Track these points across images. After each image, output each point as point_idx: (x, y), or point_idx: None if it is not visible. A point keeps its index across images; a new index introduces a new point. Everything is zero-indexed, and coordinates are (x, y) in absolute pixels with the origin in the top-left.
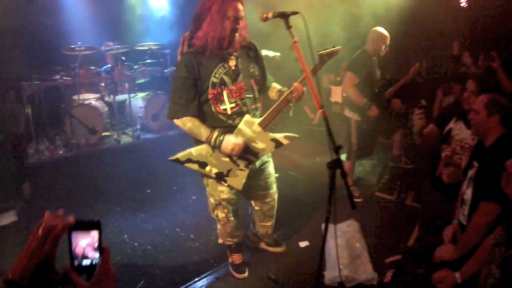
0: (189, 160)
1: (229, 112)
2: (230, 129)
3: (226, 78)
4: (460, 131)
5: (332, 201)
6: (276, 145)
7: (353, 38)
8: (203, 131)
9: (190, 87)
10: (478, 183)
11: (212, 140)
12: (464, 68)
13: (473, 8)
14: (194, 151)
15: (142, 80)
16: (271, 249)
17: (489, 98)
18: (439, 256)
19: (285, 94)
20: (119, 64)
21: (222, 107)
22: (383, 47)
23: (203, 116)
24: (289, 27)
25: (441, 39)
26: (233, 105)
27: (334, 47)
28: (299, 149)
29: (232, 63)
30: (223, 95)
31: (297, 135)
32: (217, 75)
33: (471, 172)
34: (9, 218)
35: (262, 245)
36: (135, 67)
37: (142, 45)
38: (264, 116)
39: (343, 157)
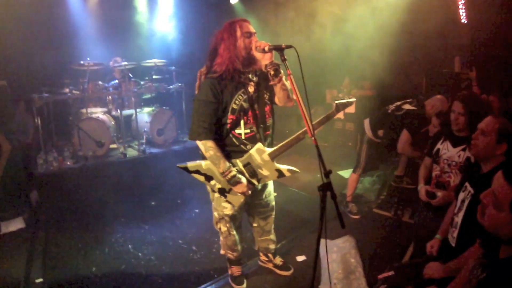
0: (198, 172)
1: (243, 137)
2: (241, 153)
3: (245, 105)
4: (446, 150)
5: (324, 220)
6: (279, 175)
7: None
8: (221, 164)
9: (214, 111)
10: (471, 212)
11: (228, 177)
12: (465, 84)
13: (474, 24)
14: (204, 164)
15: (148, 96)
16: (278, 271)
17: (501, 124)
18: (427, 273)
19: (298, 133)
20: (126, 79)
21: (237, 131)
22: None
23: (218, 135)
24: (284, 60)
25: (442, 55)
26: (248, 131)
27: (350, 98)
28: (299, 165)
29: (251, 89)
30: (240, 121)
31: (298, 170)
32: (237, 102)
33: (463, 195)
34: (17, 224)
35: (270, 266)
36: (142, 82)
37: (149, 62)
38: (275, 148)
39: (346, 173)
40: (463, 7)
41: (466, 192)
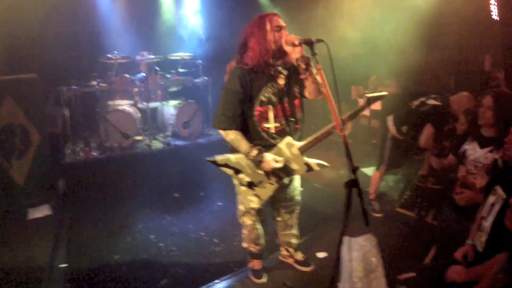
0: (226, 165)
1: (272, 130)
2: (270, 147)
3: (274, 98)
4: (473, 150)
5: (348, 217)
6: (308, 169)
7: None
8: (243, 146)
9: (240, 101)
10: (503, 217)
11: (251, 156)
12: (494, 83)
13: (506, 21)
14: (233, 158)
15: (175, 89)
16: (299, 267)
17: None
18: (450, 276)
19: (328, 127)
20: (152, 72)
21: (266, 125)
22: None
23: (246, 129)
24: (314, 54)
25: (472, 53)
26: (277, 124)
27: (381, 91)
28: (324, 161)
29: (281, 82)
30: (269, 114)
31: (328, 164)
32: (266, 94)
33: (493, 199)
34: (43, 211)
35: (291, 261)
36: (168, 76)
37: (175, 55)
38: (304, 142)
39: (370, 170)
40: (495, 4)
41: (496, 196)
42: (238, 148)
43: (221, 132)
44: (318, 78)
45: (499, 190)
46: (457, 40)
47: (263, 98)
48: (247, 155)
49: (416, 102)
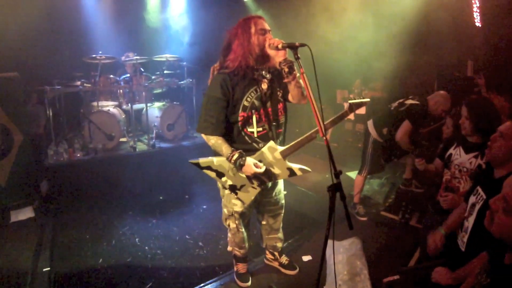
0: (209, 168)
1: (255, 135)
2: (253, 151)
3: (257, 103)
4: (458, 155)
5: (332, 221)
6: (290, 174)
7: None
8: (224, 150)
9: (222, 108)
10: (483, 217)
11: (232, 160)
12: (476, 89)
13: (488, 28)
14: (216, 161)
15: (159, 90)
16: (284, 270)
17: None
18: (435, 278)
19: (310, 132)
20: (137, 74)
21: (249, 130)
22: (440, 110)
23: (229, 133)
24: (297, 58)
25: (455, 58)
26: (260, 129)
27: (363, 98)
28: (309, 165)
29: (264, 86)
30: (252, 119)
31: (310, 170)
32: (248, 99)
33: (474, 199)
34: (26, 213)
35: (276, 265)
36: (153, 77)
37: (160, 57)
38: (287, 147)
39: (355, 174)
40: (478, 10)
41: (477, 196)
42: (220, 152)
43: (204, 136)
44: (301, 82)
45: (480, 190)
46: (440, 45)
47: (246, 103)
48: (228, 158)
49: (394, 104)
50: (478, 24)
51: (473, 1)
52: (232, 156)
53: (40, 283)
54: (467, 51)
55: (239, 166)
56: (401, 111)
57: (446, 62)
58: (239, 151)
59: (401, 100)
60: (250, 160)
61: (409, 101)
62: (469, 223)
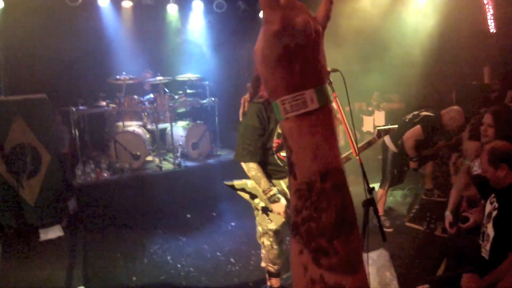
0: (243, 190)
1: None
2: (283, 173)
3: None
4: (477, 167)
5: (366, 235)
6: None
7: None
8: (263, 183)
9: (260, 136)
10: (501, 226)
11: (269, 195)
12: (494, 95)
13: (503, 33)
14: (249, 183)
15: (182, 110)
16: None
17: (488, 154)
18: (465, 285)
19: (345, 155)
20: (161, 93)
21: (282, 154)
22: (455, 126)
23: (264, 157)
24: (329, 83)
25: (471, 66)
26: None
27: (391, 125)
28: None
29: None
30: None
31: None
32: None
33: (490, 207)
34: (56, 232)
35: None
36: (176, 97)
37: (183, 77)
38: None
39: (376, 185)
40: (492, 17)
41: (493, 205)
42: (258, 184)
43: (243, 164)
44: (334, 105)
45: (494, 198)
46: (456, 53)
47: (280, 130)
48: (264, 192)
49: (409, 116)
50: (492, 30)
51: (487, 9)
52: (269, 191)
53: None
54: (482, 58)
55: (272, 202)
56: (415, 122)
57: (462, 71)
58: (276, 188)
59: (415, 112)
60: (284, 201)
61: (424, 113)
62: (489, 230)
